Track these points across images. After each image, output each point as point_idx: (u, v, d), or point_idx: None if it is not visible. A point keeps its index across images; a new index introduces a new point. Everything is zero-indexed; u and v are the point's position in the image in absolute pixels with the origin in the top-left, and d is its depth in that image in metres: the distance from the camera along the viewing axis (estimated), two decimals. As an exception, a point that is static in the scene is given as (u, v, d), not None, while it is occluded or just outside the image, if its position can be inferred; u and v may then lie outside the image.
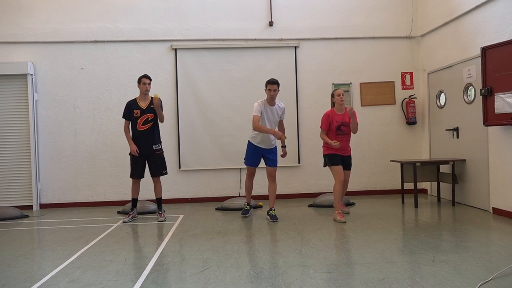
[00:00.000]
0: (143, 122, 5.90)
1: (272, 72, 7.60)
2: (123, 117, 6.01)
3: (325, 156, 5.81)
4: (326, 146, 5.80)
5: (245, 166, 6.01)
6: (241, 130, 7.30)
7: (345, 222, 5.44)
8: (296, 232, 5.01)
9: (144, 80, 5.92)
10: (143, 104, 5.93)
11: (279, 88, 5.67)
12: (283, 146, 5.91)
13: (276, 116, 5.74)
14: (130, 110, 5.93)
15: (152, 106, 5.88)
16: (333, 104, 5.85)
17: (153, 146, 5.96)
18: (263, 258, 3.97)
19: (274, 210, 5.85)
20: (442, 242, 4.38)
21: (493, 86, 5.48)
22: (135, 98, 6.04)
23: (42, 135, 7.43)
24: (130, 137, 5.96)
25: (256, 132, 5.73)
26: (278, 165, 7.48)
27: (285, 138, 5.64)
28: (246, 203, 6.13)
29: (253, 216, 6.10)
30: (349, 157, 5.90)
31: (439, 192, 7.01)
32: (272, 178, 5.86)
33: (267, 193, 6.28)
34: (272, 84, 5.57)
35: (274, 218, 5.74)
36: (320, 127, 5.78)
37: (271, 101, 5.67)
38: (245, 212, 6.04)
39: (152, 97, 5.97)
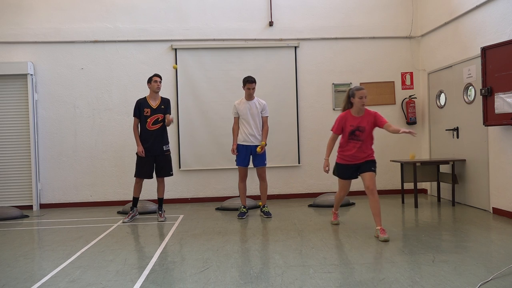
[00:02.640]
0: (153, 122, 5.85)
1: (272, 72, 7.63)
2: (133, 115, 5.97)
3: (336, 164, 5.09)
4: (340, 153, 4.99)
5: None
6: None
7: (337, 224, 5.38)
8: (296, 232, 5.01)
9: (155, 78, 5.91)
10: (154, 104, 5.90)
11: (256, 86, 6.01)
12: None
13: (255, 110, 5.95)
14: (140, 108, 5.89)
15: (162, 107, 5.88)
16: (350, 104, 4.87)
17: (163, 146, 5.94)
18: (263, 258, 3.97)
19: (267, 207, 6.10)
20: (442, 242, 4.39)
21: (493, 86, 5.47)
22: (145, 96, 6.00)
23: (42, 135, 7.43)
24: (139, 137, 5.93)
25: (238, 132, 6.02)
26: (277, 165, 7.61)
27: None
28: (242, 206, 6.08)
29: (252, 216, 6.10)
30: (367, 162, 4.82)
31: (439, 192, 7.01)
32: (261, 178, 6.05)
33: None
34: (251, 83, 5.88)
35: (267, 214, 5.99)
36: (331, 130, 5.01)
37: (249, 97, 5.98)
38: (241, 215, 5.97)
39: (162, 98, 5.97)
